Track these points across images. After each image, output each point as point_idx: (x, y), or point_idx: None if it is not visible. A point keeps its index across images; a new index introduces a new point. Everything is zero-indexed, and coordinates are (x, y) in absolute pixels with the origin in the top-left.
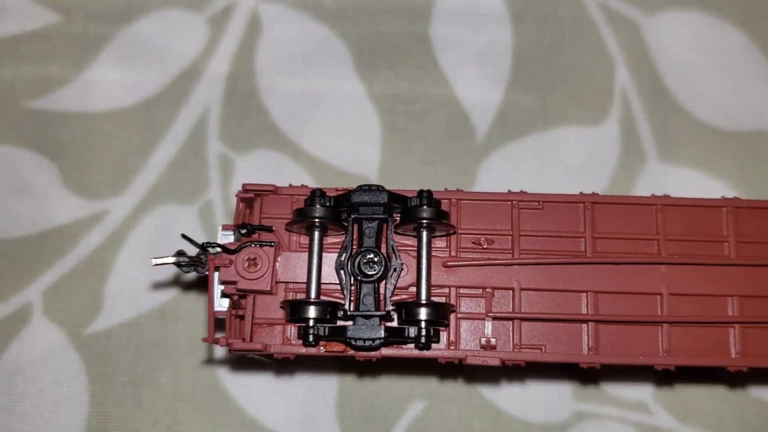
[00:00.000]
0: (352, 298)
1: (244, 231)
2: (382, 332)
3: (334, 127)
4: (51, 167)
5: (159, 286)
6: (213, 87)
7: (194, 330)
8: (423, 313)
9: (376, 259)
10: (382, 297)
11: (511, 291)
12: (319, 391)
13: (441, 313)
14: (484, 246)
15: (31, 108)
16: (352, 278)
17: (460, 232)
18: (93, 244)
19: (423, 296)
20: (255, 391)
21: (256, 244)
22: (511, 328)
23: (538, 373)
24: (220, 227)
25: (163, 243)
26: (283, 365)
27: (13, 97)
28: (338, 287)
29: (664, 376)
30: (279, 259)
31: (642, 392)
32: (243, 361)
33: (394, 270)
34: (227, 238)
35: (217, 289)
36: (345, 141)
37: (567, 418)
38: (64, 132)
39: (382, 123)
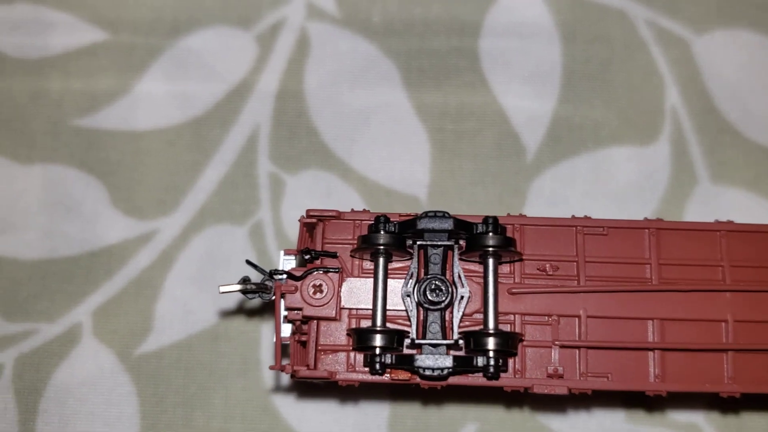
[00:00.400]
0: (418, 326)
1: (308, 256)
2: (451, 361)
3: (382, 147)
4: (99, 186)
5: (210, 307)
6: (262, 106)
7: (245, 351)
8: (492, 343)
9: (443, 287)
10: (448, 325)
11: (576, 318)
12: (371, 413)
13: (510, 343)
14: (550, 272)
15: (79, 126)
16: (417, 306)
17: (524, 258)
18: (142, 264)
19: (491, 325)
20: (307, 413)
21: (321, 271)
22: (577, 356)
23: (591, 399)
24: (282, 252)
25: (214, 263)
26: (338, 390)
27: (61, 116)
28: (402, 313)
29: (718, 401)
30: (343, 285)
31: (695, 416)
32: (297, 384)
33: (461, 298)
34: (289, 262)
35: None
36: (394, 161)
37: None
38: (112, 151)
39: (431, 142)
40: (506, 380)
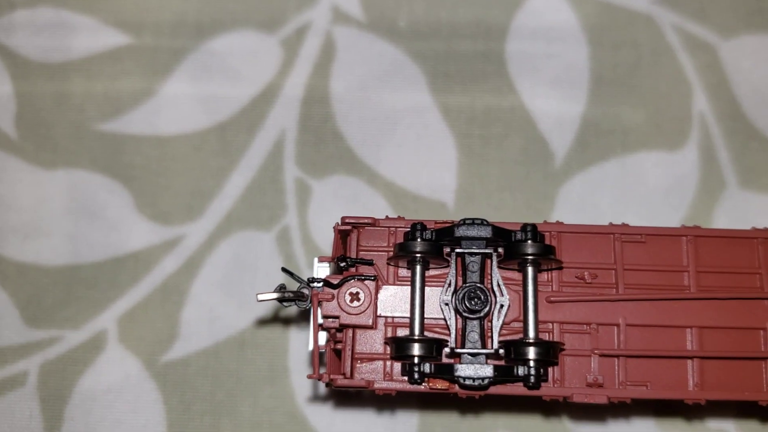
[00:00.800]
0: (456, 335)
1: (343, 264)
2: (491, 371)
3: (409, 152)
4: (124, 192)
5: (237, 313)
6: (288, 111)
7: (273, 357)
8: (532, 353)
9: (482, 295)
10: (488, 334)
11: (615, 327)
12: (400, 422)
13: (551, 352)
14: (588, 280)
15: (103, 131)
16: (456, 314)
17: (564, 266)
18: (168, 271)
19: (531, 334)
20: (335, 421)
21: (358, 278)
22: (616, 365)
23: (629, 409)
24: (316, 259)
25: (240, 269)
26: (366, 398)
27: (85, 120)
28: (439, 322)
29: (755, 410)
30: (380, 293)
31: (729, 424)
32: (328, 392)
33: (501, 306)
34: (323, 269)
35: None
36: (420, 166)
37: None
38: (137, 156)
39: (458, 147)
40: (545, 390)
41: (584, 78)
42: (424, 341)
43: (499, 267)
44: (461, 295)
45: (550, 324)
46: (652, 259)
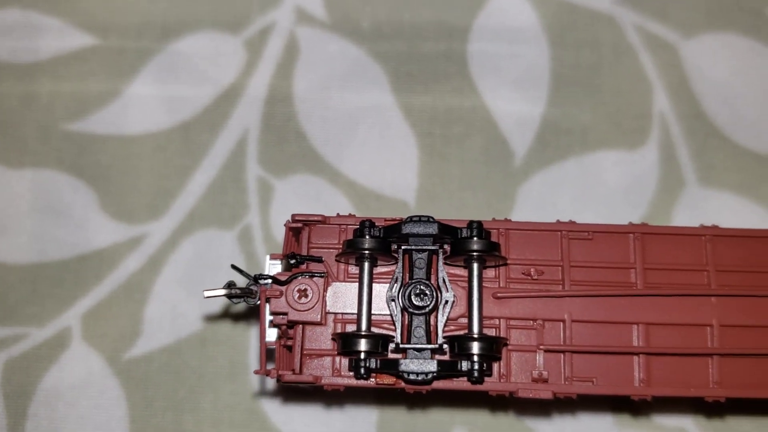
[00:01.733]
0: (403, 330)
1: (293, 261)
2: (435, 366)
3: (371, 151)
4: (89, 191)
5: (198, 311)
6: (251, 110)
7: (234, 355)
8: (476, 347)
9: (427, 292)
10: (433, 329)
11: (561, 323)
12: (359, 418)
13: (494, 347)
14: (535, 277)
15: (69, 131)
16: (402, 310)
17: (509, 262)
18: (131, 269)
19: (475, 329)
20: (294, 417)
21: (306, 275)
22: (562, 361)
23: (578, 404)
24: (268, 257)
25: (202, 267)
26: (325, 394)
27: (52, 120)
28: (387, 318)
29: (704, 406)
30: (329, 289)
31: (682, 420)
32: (284, 388)
33: (446, 302)
34: (274, 267)
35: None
36: (383, 165)
37: None
38: (102, 155)
39: (420, 146)
40: (491, 384)
41: (545, 78)
42: (369, 337)
43: (445, 263)
44: (407, 292)
45: (497, 320)
46: (600, 256)
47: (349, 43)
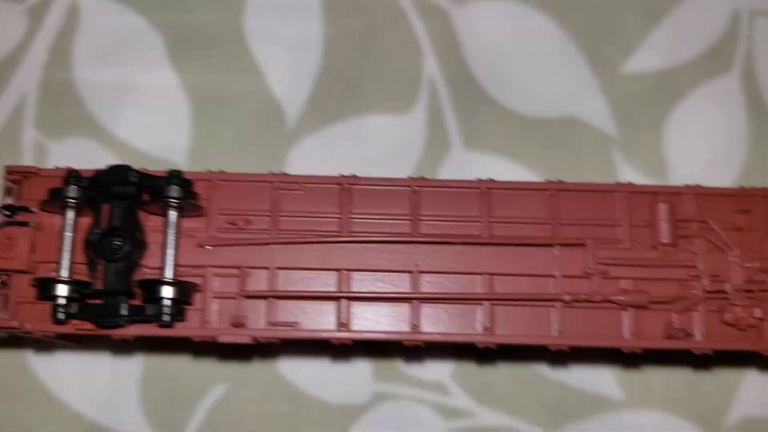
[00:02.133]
0: (99, 276)
1: (8, 213)
2: (125, 311)
3: (146, 115)
4: None
5: None
6: (30, 76)
7: None
8: (164, 291)
9: (123, 238)
10: (129, 276)
11: (266, 270)
12: (124, 372)
13: (183, 291)
14: (242, 226)
15: None
16: (99, 257)
17: (218, 213)
18: None
19: (167, 274)
20: (61, 373)
21: (10, 225)
22: (264, 307)
23: (339, 354)
24: None
25: None
26: (86, 346)
27: None
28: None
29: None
30: (37, 238)
31: (441, 373)
32: (51, 343)
33: (141, 250)
34: None
35: None
36: (156, 128)
37: (368, 398)
38: None
39: (193, 110)
40: (191, 330)
41: (318, 44)
42: (66, 282)
43: (147, 212)
44: (104, 239)
45: (202, 269)
46: (312, 207)
47: (130, 11)
